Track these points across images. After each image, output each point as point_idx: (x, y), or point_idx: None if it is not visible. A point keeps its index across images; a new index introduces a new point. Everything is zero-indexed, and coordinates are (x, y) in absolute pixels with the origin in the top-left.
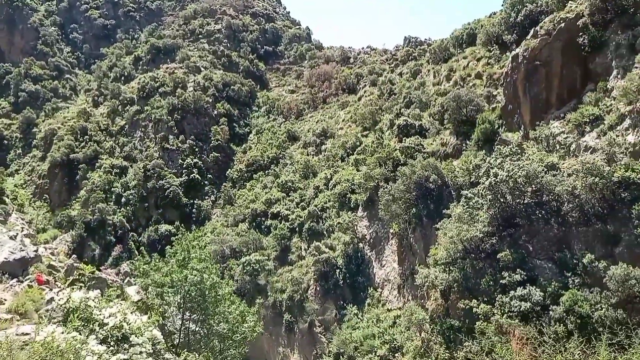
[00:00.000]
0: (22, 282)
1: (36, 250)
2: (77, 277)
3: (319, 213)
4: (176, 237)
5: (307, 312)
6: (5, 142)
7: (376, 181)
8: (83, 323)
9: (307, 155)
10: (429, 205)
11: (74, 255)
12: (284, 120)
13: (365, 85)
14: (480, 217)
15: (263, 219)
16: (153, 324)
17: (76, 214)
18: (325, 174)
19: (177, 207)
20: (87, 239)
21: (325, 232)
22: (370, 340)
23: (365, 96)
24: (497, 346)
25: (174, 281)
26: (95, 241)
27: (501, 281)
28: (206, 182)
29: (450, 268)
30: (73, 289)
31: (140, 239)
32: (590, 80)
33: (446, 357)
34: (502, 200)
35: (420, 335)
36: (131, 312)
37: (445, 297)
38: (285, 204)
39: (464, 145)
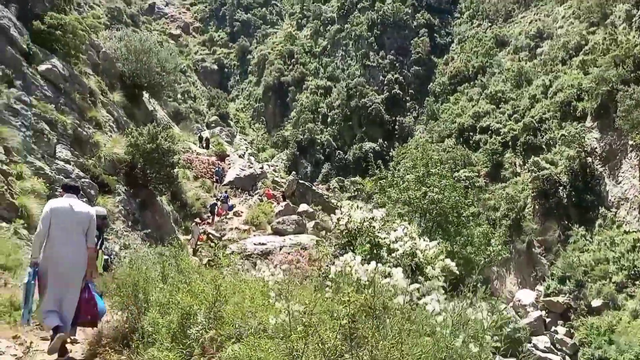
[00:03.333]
0: (252, 196)
1: (261, 167)
2: (354, 193)
3: (537, 125)
4: (406, 149)
5: (525, 232)
6: (226, 70)
7: (610, 85)
8: (369, 249)
9: (519, 61)
10: None
11: (294, 172)
12: (489, 24)
13: None
14: None
15: (471, 133)
16: (443, 251)
17: (289, 134)
18: (543, 80)
19: (379, 124)
20: (299, 157)
21: (544, 146)
22: (603, 264)
23: None
24: None
25: (411, 198)
26: (306, 159)
27: None
28: (407, 98)
29: None
30: (351, 206)
31: (346, 156)
32: None
33: None
34: None
35: None
36: (419, 236)
37: None
38: (496, 117)
39: None
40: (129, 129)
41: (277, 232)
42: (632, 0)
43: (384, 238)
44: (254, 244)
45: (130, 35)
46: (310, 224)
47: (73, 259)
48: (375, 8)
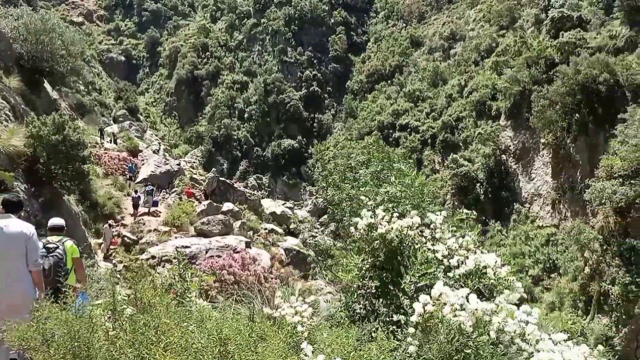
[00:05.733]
0: (169, 194)
1: (179, 164)
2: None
3: (454, 123)
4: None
5: None
6: (134, 61)
7: (523, 85)
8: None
9: (434, 61)
10: (596, 109)
11: (214, 169)
12: (404, 25)
13: None
14: None
15: (390, 131)
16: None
17: (203, 129)
18: (458, 80)
19: (298, 121)
20: (215, 153)
21: (461, 144)
22: (519, 258)
23: None
24: None
25: (368, 196)
26: (222, 156)
27: None
28: (326, 95)
29: (632, 181)
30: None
31: (264, 153)
32: None
33: (627, 282)
34: None
35: (584, 255)
36: (475, 247)
37: (622, 214)
38: (414, 115)
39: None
40: (30, 118)
41: (201, 233)
42: (540, 5)
43: (435, 251)
44: (176, 247)
45: (30, 14)
46: (236, 224)
47: (8, 291)
48: (293, 3)
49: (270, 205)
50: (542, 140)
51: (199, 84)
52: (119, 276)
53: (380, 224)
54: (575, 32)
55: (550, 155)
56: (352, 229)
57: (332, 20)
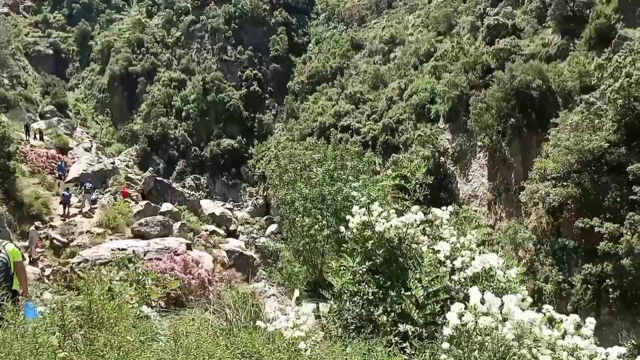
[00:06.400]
0: (103, 194)
1: (113, 163)
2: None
3: (394, 125)
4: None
5: None
6: (63, 55)
7: (461, 89)
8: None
9: (375, 64)
10: (529, 114)
11: (151, 168)
12: (345, 27)
13: None
14: (605, 124)
15: (332, 131)
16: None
17: (138, 128)
18: (398, 83)
19: (238, 121)
20: (150, 153)
21: (401, 146)
22: None
23: None
24: None
25: (322, 195)
26: (158, 155)
27: (630, 197)
28: (266, 95)
29: (564, 183)
30: (391, 211)
31: (202, 153)
32: None
33: (560, 280)
34: (635, 104)
35: (518, 254)
36: (477, 246)
37: (554, 215)
38: (356, 117)
39: (571, 45)
40: None
41: (139, 235)
42: (476, 12)
43: (436, 252)
44: (112, 250)
45: None
46: (176, 225)
47: None
48: (233, 2)
49: (209, 206)
50: (479, 143)
51: (133, 80)
52: (47, 282)
53: (377, 222)
54: (510, 39)
55: (486, 158)
56: (342, 228)
57: (273, 20)
